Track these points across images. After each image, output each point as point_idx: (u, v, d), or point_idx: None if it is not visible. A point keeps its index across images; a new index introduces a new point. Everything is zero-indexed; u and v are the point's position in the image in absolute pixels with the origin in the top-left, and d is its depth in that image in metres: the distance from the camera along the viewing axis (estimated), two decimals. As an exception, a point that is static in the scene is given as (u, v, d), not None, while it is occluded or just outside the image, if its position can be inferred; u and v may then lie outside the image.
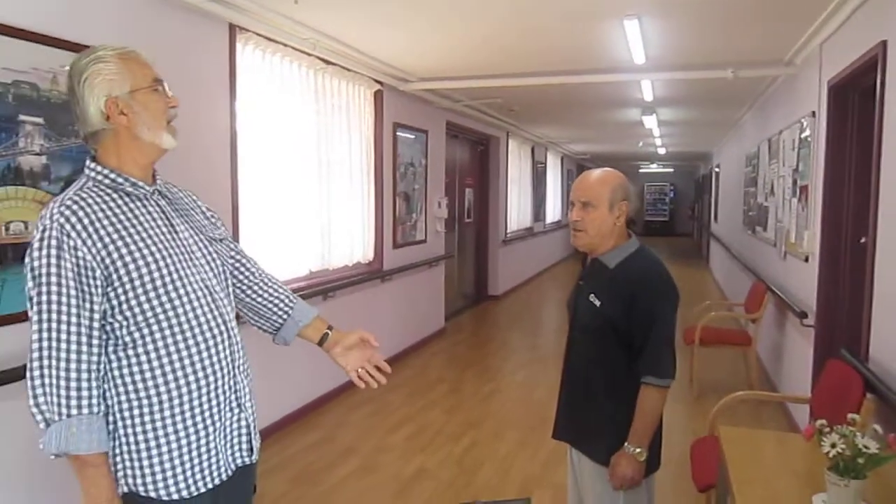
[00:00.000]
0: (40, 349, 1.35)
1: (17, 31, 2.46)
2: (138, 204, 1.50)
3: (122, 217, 1.45)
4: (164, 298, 1.45)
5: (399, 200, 6.19)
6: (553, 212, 14.32)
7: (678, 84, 6.18)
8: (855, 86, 3.63)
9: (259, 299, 1.76)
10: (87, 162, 1.50)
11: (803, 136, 4.52)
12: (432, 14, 3.96)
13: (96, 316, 1.40)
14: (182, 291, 1.48)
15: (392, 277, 6.04)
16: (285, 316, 1.78)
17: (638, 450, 1.98)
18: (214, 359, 1.51)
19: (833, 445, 1.74)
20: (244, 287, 1.74)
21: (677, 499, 3.42)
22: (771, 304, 5.36)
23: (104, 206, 1.44)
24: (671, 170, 22.21)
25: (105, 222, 1.42)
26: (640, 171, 21.68)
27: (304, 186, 4.61)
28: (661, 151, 14.75)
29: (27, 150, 2.56)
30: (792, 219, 4.81)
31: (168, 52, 3.36)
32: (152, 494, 1.46)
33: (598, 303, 2.04)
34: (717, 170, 12.93)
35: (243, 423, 1.60)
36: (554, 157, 14.22)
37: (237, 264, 1.74)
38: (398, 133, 6.10)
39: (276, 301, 1.78)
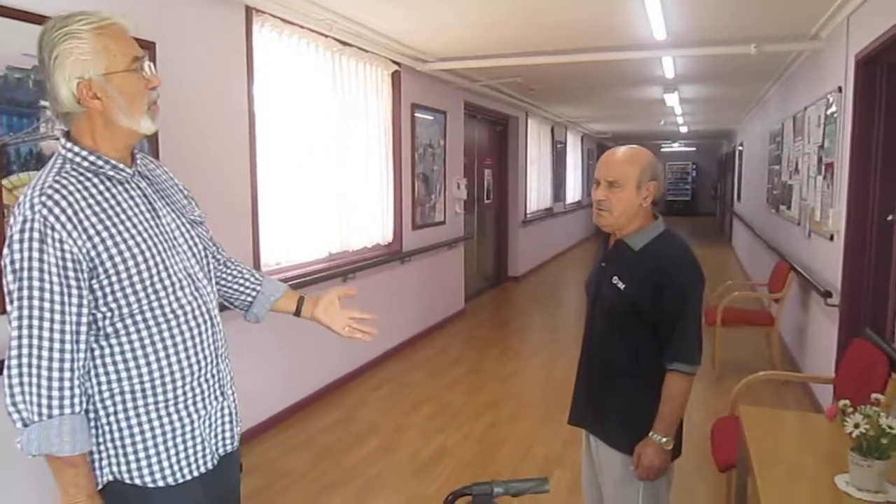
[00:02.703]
0: (20, 347, 1.29)
1: (36, 17, 2.47)
2: (120, 189, 1.42)
3: (104, 205, 1.37)
4: (149, 290, 1.40)
5: (418, 182, 6.18)
6: (573, 192, 14.21)
7: (700, 60, 6.07)
8: (883, 60, 3.54)
9: (229, 278, 1.76)
10: (62, 141, 1.40)
11: (829, 112, 4.42)
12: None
13: (84, 311, 1.34)
14: (168, 282, 1.43)
15: (411, 259, 6.05)
16: (254, 292, 1.78)
17: (664, 439, 1.92)
18: (199, 347, 1.48)
19: (856, 426, 1.72)
20: (216, 267, 1.72)
21: (698, 478, 3.41)
22: (794, 284, 5.28)
23: (86, 194, 1.35)
24: (693, 148, 21.92)
25: (88, 212, 1.34)
26: (662, 150, 21.41)
27: (322, 168, 4.61)
28: (684, 130, 14.54)
29: (48, 135, 2.59)
30: (817, 197, 4.72)
31: (185, 35, 3.37)
32: (137, 482, 1.43)
33: (622, 285, 1.97)
34: (740, 148, 12.73)
35: (226, 410, 1.58)
36: (574, 136, 14.08)
37: (212, 247, 1.70)
38: (416, 114, 6.08)
39: (246, 279, 1.79)
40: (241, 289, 1.77)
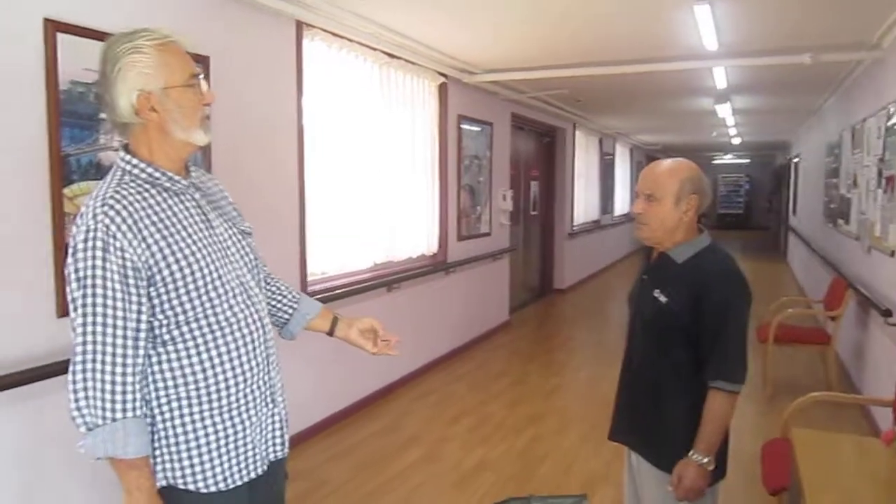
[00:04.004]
0: (84, 353, 1.33)
1: (97, 33, 2.58)
2: (175, 200, 1.46)
3: (162, 216, 1.42)
4: (203, 298, 1.43)
5: (463, 193, 6.20)
6: (621, 204, 14.03)
7: (753, 71, 5.93)
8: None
9: (268, 294, 1.77)
10: (121, 153, 1.46)
11: (890, 123, 4.26)
12: (497, 5, 3.93)
13: (143, 317, 1.38)
14: (221, 290, 1.46)
15: (456, 270, 6.06)
16: (291, 310, 1.81)
17: (705, 459, 1.86)
18: (251, 355, 1.51)
19: (915, 451, 1.64)
20: None
21: (746, 502, 3.30)
22: (853, 302, 5.09)
23: (144, 204, 1.40)
24: (747, 160, 21.40)
25: (147, 221, 1.38)
26: (714, 161, 20.98)
27: (368, 179, 4.67)
28: (736, 141, 14.20)
29: (107, 146, 2.69)
30: (877, 211, 4.55)
31: (238, 49, 3.46)
32: (191, 487, 1.46)
33: (663, 299, 1.94)
34: (796, 160, 12.38)
35: (276, 417, 1.60)
36: (623, 148, 13.92)
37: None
38: (463, 125, 6.10)
39: (283, 296, 1.81)
40: (280, 305, 1.80)
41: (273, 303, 1.79)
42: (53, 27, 2.49)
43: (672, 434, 1.95)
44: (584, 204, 10.75)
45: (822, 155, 7.93)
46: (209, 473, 1.46)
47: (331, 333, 1.84)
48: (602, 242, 12.16)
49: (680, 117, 9.81)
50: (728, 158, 20.92)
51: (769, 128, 11.48)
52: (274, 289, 1.80)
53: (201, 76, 1.49)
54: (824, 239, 7.54)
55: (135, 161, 1.44)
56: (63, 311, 2.51)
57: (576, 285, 10.27)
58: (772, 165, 20.08)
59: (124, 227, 1.35)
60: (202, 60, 3.12)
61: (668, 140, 14.81)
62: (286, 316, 1.81)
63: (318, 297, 1.92)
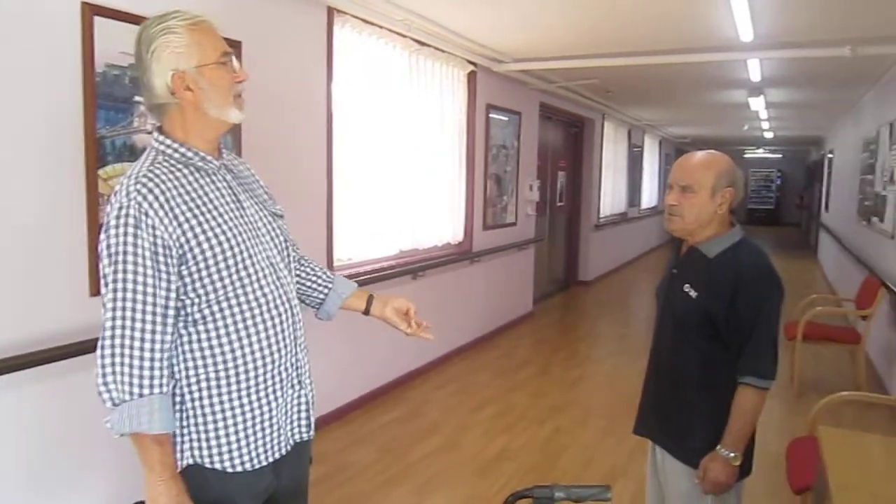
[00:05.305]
0: (113, 328, 1.34)
1: (132, 16, 2.61)
2: (207, 180, 1.47)
3: (193, 195, 1.43)
4: (234, 277, 1.44)
5: (490, 182, 6.18)
6: (649, 197, 13.89)
7: (789, 63, 5.81)
8: None
9: (302, 275, 1.79)
10: (154, 134, 1.48)
11: (931, 119, 4.15)
12: (528, -7, 3.89)
13: (172, 295, 1.38)
14: (251, 270, 1.47)
15: (481, 259, 6.06)
16: (326, 290, 1.82)
17: (732, 454, 1.86)
18: (280, 336, 1.52)
19: (948, 454, 1.61)
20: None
21: (770, 499, 3.28)
22: (885, 301, 4.99)
23: (177, 183, 1.41)
24: (779, 155, 21.02)
25: (179, 200, 1.40)
26: (745, 156, 20.64)
27: (396, 166, 4.67)
28: (769, 135, 13.96)
29: (140, 128, 2.73)
30: (913, 209, 4.45)
31: (269, 34, 3.48)
32: (217, 466, 1.47)
33: (693, 293, 1.92)
34: (830, 156, 12.13)
35: (303, 399, 1.61)
36: (652, 140, 13.75)
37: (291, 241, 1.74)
38: (491, 114, 6.08)
39: (318, 277, 1.82)
40: (314, 286, 1.81)
41: (308, 283, 1.80)
42: (91, 10, 2.52)
43: (699, 429, 1.94)
44: (610, 196, 10.67)
45: (858, 151, 7.76)
46: (235, 453, 1.48)
47: (367, 312, 1.84)
48: (628, 235, 12.06)
49: (712, 110, 9.65)
50: (760, 153, 20.57)
51: (803, 122, 11.26)
52: (308, 270, 1.81)
53: (233, 55, 1.51)
54: (857, 237, 7.39)
55: (168, 141, 1.46)
56: (95, 290, 2.57)
57: (601, 278, 10.20)
58: (805, 161, 19.71)
59: (156, 206, 1.36)
60: (235, 45, 3.14)
61: (698, 133, 14.60)
62: (321, 296, 1.82)
63: (343, 282, 1.95)
